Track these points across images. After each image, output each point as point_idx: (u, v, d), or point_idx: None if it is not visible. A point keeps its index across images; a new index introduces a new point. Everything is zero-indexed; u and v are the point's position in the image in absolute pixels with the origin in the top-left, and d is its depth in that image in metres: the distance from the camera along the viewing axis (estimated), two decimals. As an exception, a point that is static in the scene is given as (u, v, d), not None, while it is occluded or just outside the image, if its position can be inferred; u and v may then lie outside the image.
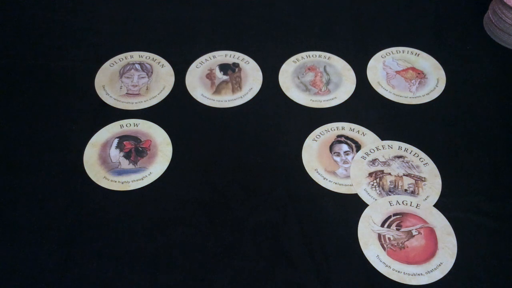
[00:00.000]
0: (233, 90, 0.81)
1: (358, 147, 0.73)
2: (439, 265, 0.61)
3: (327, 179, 0.70)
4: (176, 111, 0.78)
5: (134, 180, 0.70)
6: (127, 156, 0.72)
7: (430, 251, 0.63)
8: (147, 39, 0.88)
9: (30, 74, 0.82)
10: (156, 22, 0.91)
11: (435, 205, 0.67)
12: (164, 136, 0.75)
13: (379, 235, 0.64)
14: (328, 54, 0.86)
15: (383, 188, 0.69)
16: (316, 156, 0.72)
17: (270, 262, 0.62)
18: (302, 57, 0.86)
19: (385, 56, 0.86)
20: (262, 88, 0.81)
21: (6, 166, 0.71)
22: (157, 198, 0.68)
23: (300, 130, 0.75)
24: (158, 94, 0.80)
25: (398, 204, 0.67)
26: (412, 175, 0.70)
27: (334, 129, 0.75)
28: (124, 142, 0.74)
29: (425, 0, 0.95)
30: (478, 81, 0.82)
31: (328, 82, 0.82)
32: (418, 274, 0.61)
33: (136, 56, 0.86)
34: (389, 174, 0.70)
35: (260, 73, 0.83)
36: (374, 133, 0.75)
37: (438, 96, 0.80)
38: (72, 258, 0.62)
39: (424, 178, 0.69)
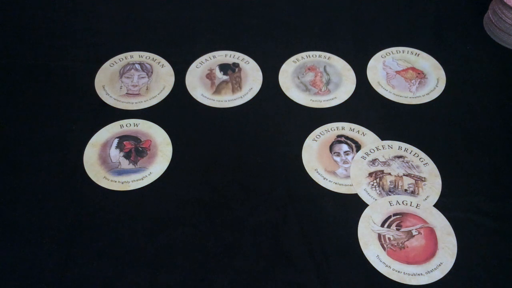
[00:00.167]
0: (233, 90, 0.81)
1: (358, 147, 0.73)
2: (439, 265, 0.61)
3: (327, 179, 0.70)
4: (176, 111, 0.78)
5: (134, 180, 0.70)
6: (127, 156, 0.72)
7: (430, 251, 0.63)
8: (147, 39, 0.88)
9: (30, 74, 0.82)
10: (156, 22, 0.91)
11: (435, 205, 0.67)
12: (164, 136, 0.75)
13: (379, 235, 0.64)
14: (328, 54, 0.86)
15: (383, 188, 0.69)
16: (316, 156, 0.72)
17: (270, 262, 0.62)
18: (302, 57, 0.86)
19: (385, 56, 0.86)
20: (262, 88, 0.81)
21: (6, 166, 0.71)
22: (157, 198, 0.68)
23: (300, 130, 0.75)
24: (158, 94, 0.80)
25: (398, 204, 0.67)
26: (412, 175, 0.70)
27: (334, 129, 0.75)
28: (124, 142, 0.74)
29: (425, 0, 0.95)
30: (478, 81, 0.82)
31: (328, 82, 0.82)
32: (418, 274, 0.61)
33: (136, 56, 0.86)
34: (389, 174, 0.70)
35: (260, 73, 0.83)
36: (374, 133, 0.75)
37: (438, 96, 0.80)
38: (72, 258, 0.62)
39: (424, 178, 0.69)
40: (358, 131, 0.75)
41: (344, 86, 0.81)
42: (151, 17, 0.92)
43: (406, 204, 0.67)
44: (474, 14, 0.92)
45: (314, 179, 0.70)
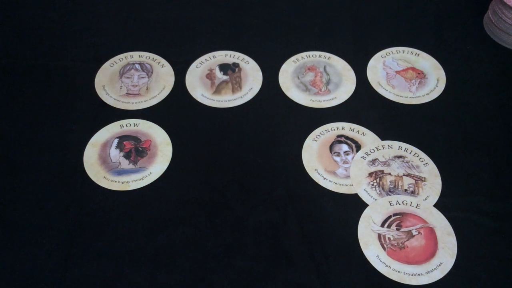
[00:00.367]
0: (233, 90, 0.81)
1: (358, 147, 0.73)
2: (439, 265, 0.61)
3: (327, 179, 0.70)
4: (176, 111, 0.78)
5: (134, 180, 0.70)
6: (127, 156, 0.72)
7: (430, 251, 0.63)
8: (147, 39, 0.88)
9: (30, 74, 0.82)
10: (156, 22, 0.91)
11: (435, 205, 0.67)
12: (164, 136, 0.75)
13: (379, 235, 0.64)
14: (328, 54, 0.86)
15: (383, 188, 0.69)
16: (316, 156, 0.72)
17: (270, 262, 0.62)
18: (302, 57, 0.86)
19: (385, 56, 0.86)
20: (262, 88, 0.81)
21: (6, 166, 0.71)
22: (157, 198, 0.68)
23: (300, 130, 0.75)
24: (158, 94, 0.80)
25: (398, 204, 0.67)
26: (412, 175, 0.70)
27: (334, 129, 0.75)
28: (124, 142, 0.74)
29: (425, 0, 0.95)
30: (478, 81, 0.82)
31: (328, 82, 0.82)
32: (418, 274, 0.61)
33: (136, 56, 0.86)
34: (389, 174, 0.70)
35: (260, 73, 0.83)
36: (374, 133, 0.75)
37: (438, 96, 0.80)
38: (72, 258, 0.62)
39: (424, 178, 0.69)
40: (358, 131, 0.75)
41: (344, 86, 0.81)
42: (151, 17, 0.92)
43: (406, 204, 0.67)
44: (474, 14, 0.92)
45: (314, 179, 0.70)
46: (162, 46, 0.87)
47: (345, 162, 0.72)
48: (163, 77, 0.83)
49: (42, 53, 0.86)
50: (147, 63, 0.84)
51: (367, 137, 0.74)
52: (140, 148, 0.73)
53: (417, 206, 0.66)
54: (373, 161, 0.71)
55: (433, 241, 0.63)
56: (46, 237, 0.64)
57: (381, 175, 0.70)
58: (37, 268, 0.61)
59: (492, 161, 0.72)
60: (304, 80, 0.82)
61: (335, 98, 0.80)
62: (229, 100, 0.80)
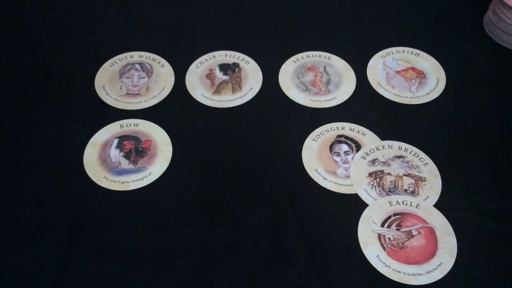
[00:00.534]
0: (233, 90, 0.81)
1: (358, 147, 0.73)
2: (439, 265, 0.61)
3: (327, 179, 0.70)
4: (176, 111, 0.78)
5: (134, 180, 0.70)
6: (127, 156, 0.72)
7: (430, 251, 0.63)
8: (147, 39, 0.88)
9: (30, 74, 0.82)
10: (156, 22, 0.91)
11: (435, 205, 0.67)
12: (164, 136, 0.75)
13: (379, 235, 0.64)
14: (328, 54, 0.86)
15: (383, 188, 0.69)
16: (316, 156, 0.72)
17: (270, 262, 0.62)
18: (302, 57, 0.86)
19: (385, 56, 0.86)
20: (262, 88, 0.81)
21: (6, 166, 0.71)
22: (157, 198, 0.68)
23: (300, 130, 0.75)
24: (158, 94, 0.80)
25: (398, 204, 0.67)
26: (412, 175, 0.70)
27: (334, 129, 0.75)
28: (124, 142, 0.74)
29: (425, 0, 0.95)
30: (478, 81, 0.82)
31: (328, 82, 0.82)
32: (418, 274, 0.61)
33: (136, 56, 0.86)
34: (389, 174, 0.70)
35: (260, 73, 0.83)
36: (374, 133, 0.75)
37: (438, 96, 0.80)
38: (72, 258, 0.62)
39: (424, 178, 0.69)
40: (358, 131, 0.75)
41: (344, 86, 0.81)
42: (151, 17, 0.92)
43: (406, 204, 0.67)
44: (474, 14, 0.92)
45: (314, 179, 0.70)
46: (162, 46, 0.87)
47: (345, 162, 0.72)
48: (163, 77, 0.83)
49: (42, 53, 0.86)
50: (147, 63, 0.85)
51: (367, 137, 0.74)
52: (140, 148, 0.73)
53: (417, 206, 0.66)
54: (373, 161, 0.71)
55: (433, 241, 0.63)
56: (46, 237, 0.64)
57: (381, 175, 0.70)
58: (37, 268, 0.61)
59: (492, 161, 0.72)
60: (304, 80, 0.82)
61: (335, 98, 0.80)
62: (229, 100, 0.80)
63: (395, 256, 0.62)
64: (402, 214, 0.66)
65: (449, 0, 0.95)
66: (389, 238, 0.64)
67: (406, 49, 0.87)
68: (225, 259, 0.62)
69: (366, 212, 0.66)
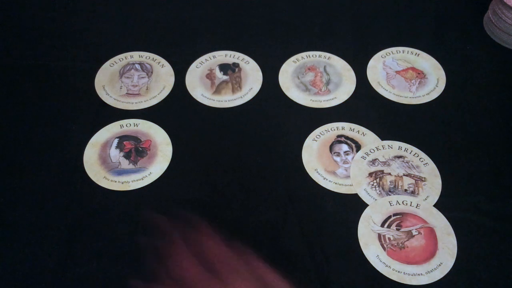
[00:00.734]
0: (233, 90, 0.81)
1: (358, 147, 0.73)
2: (439, 265, 0.61)
3: (327, 179, 0.70)
4: (176, 111, 0.78)
5: (134, 180, 0.70)
6: (127, 156, 0.72)
7: (430, 251, 0.63)
8: (147, 39, 0.88)
9: (30, 74, 0.82)
10: (156, 22, 0.91)
11: (435, 205, 0.67)
12: (164, 136, 0.75)
13: (379, 235, 0.64)
14: (328, 54, 0.86)
15: (383, 188, 0.69)
16: (316, 156, 0.72)
17: (270, 262, 0.62)
18: (302, 57, 0.86)
19: (385, 56, 0.86)
20: (262, 88, 0.81)
21: (6, 166, 0.71)
22: (157, 198, 0.68)
23: (300, 130, 0.75)
24: (158, 94, 0.80)
25: (398, 204, 0.67)
26: (412, 175, 0.70)
27: (334, 129, 0.75)
28: (124, 142, 0.74)
29: (425, 0, 0.95)
30: (478, 81, 0.82)
31: (328, 82, 0.82)
32: (418, 274, 0.61)
33: (136, 56, 0.86)
34: (389, 174, 0.70)
35: (260, 73, 0.83)
36: (374, 133, 0.75)
37: (438, 96, 0.80)
38: (72, 258, 0.62)
39: (424, 178, 0.69)
40: (358, 131, 0.75)
41: (344, 86, 0.81)
42: (151, 17, 0.92)
43: (406, 204, 0.67)
44: (474, 14, 0.92)
45: (314, 179, 0.70)
46: (162, 46, 0.87)
47: (345, 162, 0.72)
48: (163, 77, 0.83)
49: (42, 53, 0.86)
50: (147, 63, 0.85)
51: (367, 137, 0.74)
52: (140, 148, 0.73)
53: (417, 206, 0.66)
54: (373, 161, 0.71)
55: (433, 241, 0.63)
56: (46, 237, 0.64)
57: (381, 175, 0.70)
58: (37, 268, 0.61)
59: (492, 161, 0.72)
60: (304, 80, 0.82)
61: (335, 98, 0.80)
62: (229, 100, 0.80)
63: (395, 256, 0.62)
64: (402, 214, 0.66)
65: (449, 0, 0.95)
66: (389, 238, 0.64)
67: (406, 49, 0.87)
68: (225, 259, 0.62)
69: (366, 212, 0.66)
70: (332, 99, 0.80)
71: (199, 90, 0.81)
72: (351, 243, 0.64)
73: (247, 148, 0.73)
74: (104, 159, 0.72)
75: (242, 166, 0.71)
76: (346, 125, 0.76)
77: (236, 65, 0.84)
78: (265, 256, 0.62)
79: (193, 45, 0.87)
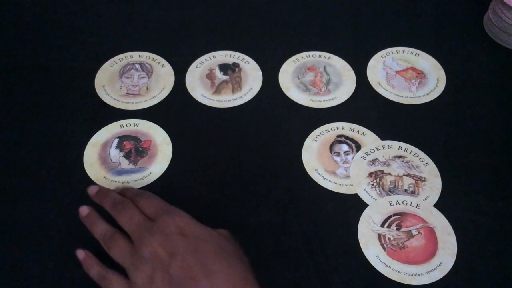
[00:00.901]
0: (233, 90, 0.81)
1: (358, 147, 0.73)
2: (439, 265, 0.61)
3: (327, 179, 0.70)
4: (176, 111, 0.78)
5: (134, 180, 0.70)
6: (127, 156, 0.72)
7: (430, 251, 0.63)
8: (147, 39, 0.88)
9: (30, 74, 0.82)
10: (156, 22, 0.91)
11: (435, 205, 0.67)
12: (164, 136, 0.75)
13: (379, 235, 0.64)
14: (328, 54, 0.86)
15: (383, 188, 0.69)
16: (316, 156, 0.72)
17: (270, 262, 0.62)
18: (302, 57, 0.86)
19: (385, 56, 0.86)
20: (262, 88, 0.81)
21: (6, 166, 0.71)
22: (157, 198, 0.68)
23: (300, 130, 0.75)
24: (158, 94, 0.80)
25: (398, 204, 0.67)
26: (412, 175, 0.70)
27: (334, 129, 0.75)
28: (124, 142, 0.74)
29: (425, 0, 0.95)
30: (478, 81, 0.82)
31: (328, 82, 0.82)
32: (418, 274, 0.61)
33: (136, 56, 0.86)
34: (389, 174, 0.70)
35: (260, 73, 0.83)
36: (374, 133, 0.75)
37: (438, 96, 0.80)
38: (72, 258, 0.62)
39: (424, 178, 0.69)
40: (358, 131, 0.75)
41: (344, 86, 0.81)
42: (151, 17, 0.92)
43: (406, 204, 0.67)
44: (474, 14, 0.92)
45: (314, 179, 0.70)
46: (162, 46, 0.87)
47: (345, 162, 0.72)
48: (163, 77, 0.83)
49: (42, 53, 0.86)
50: (147, 63, 0.85)
51: (367, 137, 0.74)
52: (140, 148, 0.73)
53: (417, 206, 0.66)
54: (373, 161, 0.71)
55: (433, 241, 0.63)
56: (46, 237, 0.64)
57: (381, 175, 0.70)
58: (37, 268, 0.61)
59: (492, 161, 0.72)
60: (304, 80, 0.82)
61: (335, 98, 0.80)
62: (229, 100, 0.80)
63: (395, 256, 0.62)
64: (402, 214, 0.66)
65: (449, 0, 0.95)
66: (389, 238, 0.64)
67: (406, 49, 0.87)
68: (225, 259, 0.62)
69: (366, 212, 0.66)
70: (332, 99, 0.80)
71: (199, 90, 0.81)
72: (351, 243, 0.64)
73: (247, 148, 0.73)
74: (104, 159, 0.72)
75: (242, 166, 0.71)
76: (346, 125, 0.76)
77: (236, 65, 0.84)
78: (265, 256, 0.62)
79: (193, 45, 0.87)
